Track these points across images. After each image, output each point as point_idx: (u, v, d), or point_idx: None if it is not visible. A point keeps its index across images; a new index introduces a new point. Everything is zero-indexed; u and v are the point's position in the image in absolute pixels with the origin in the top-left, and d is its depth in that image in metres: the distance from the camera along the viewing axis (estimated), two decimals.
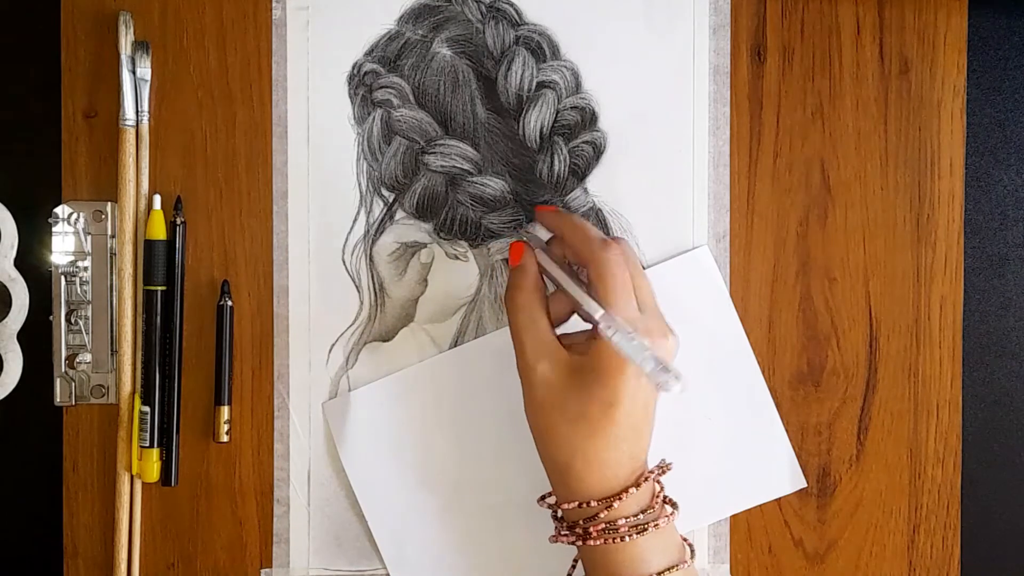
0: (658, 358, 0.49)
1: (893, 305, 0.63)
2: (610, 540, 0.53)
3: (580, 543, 0.54)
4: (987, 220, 0.64)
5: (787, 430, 0.62)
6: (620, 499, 0.53)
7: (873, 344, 0.63)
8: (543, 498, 0.57)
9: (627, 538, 0.53)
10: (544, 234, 0.59)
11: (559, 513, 0.56)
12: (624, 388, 0.52)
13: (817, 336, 0.63)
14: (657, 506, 0.54)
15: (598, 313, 0.52)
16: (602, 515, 0.53)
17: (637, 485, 0.53)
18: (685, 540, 0.56)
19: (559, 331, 0.56)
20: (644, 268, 0.61)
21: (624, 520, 0.53)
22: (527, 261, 0.56)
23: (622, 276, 0.53)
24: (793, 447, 0.62)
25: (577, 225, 0.56)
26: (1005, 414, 0.64)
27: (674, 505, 0.55)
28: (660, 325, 0.54)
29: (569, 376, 0.53)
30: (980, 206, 0.64)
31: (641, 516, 0.53)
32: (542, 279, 0.56)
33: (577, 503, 0.54)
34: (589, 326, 0.55)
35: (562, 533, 0.55)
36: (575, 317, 0.56)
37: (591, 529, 0.53)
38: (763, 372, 0.62)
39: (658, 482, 0.55)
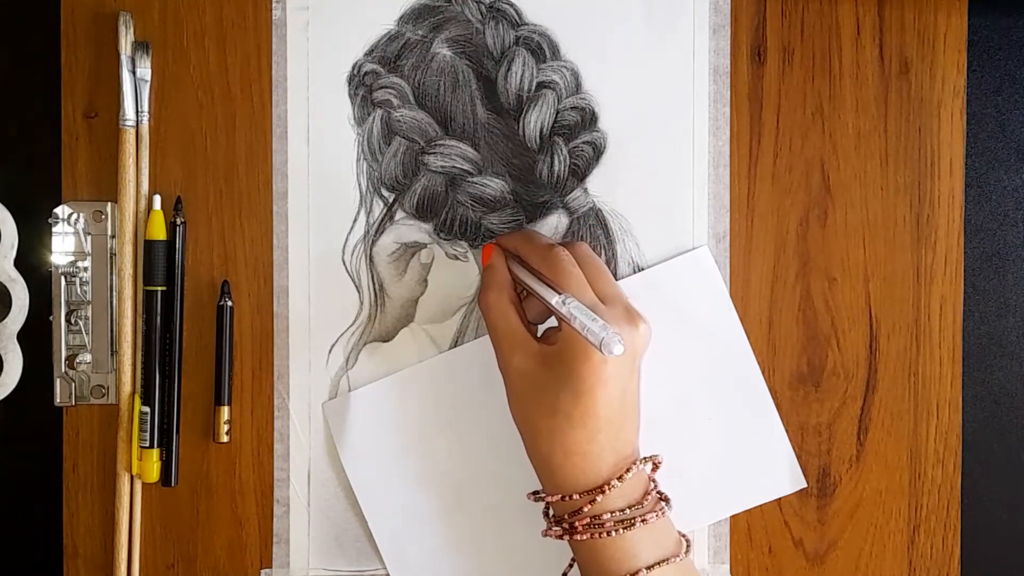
0: (604, 323, 0.50)
1: (893, 305, 0.63)
2: (596, 534, 0.53)
3: (567, 537, 0.54)
4: (987, 220, 0.64)
5: (787, 430, 0.62)
6: (603, 492, 0.53)
7: (873, 344, 0.63)
8: (534, 493, 0.57)
9: (613, 533, 0.53)
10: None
11: (548, 508, 0.56)
12: (591, 374, 0.52)
13: (817, 336, 0.63)
14: (648, 501, 0.54)
15: (553, 298, 0.53)
16: (586, 509, 0.53)
17: (620, 478, 0.53)
18: (683, 536, 0.55)
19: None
20: (642, 269, 0.62)
21: (609, 515, 0.53)
22: (496, 261, 0.58)
23: (569, 269, 0.54)
24: (793, 447, 0.62)
25: (526, 234, 0.59)
26: (1005, 414, 0.64)
27: (667, 500, 0.55)
28: (627, 314, 0.54)
29: (542, 366, 0.54)
30: (980, 206, 0.64)
31: (628, 511, 0.53)
32: (513, 279, 0.58)
33: (561, 496, 0.54)
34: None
35: (552, 528, 0.55)
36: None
37: (576, 523, 0.53)
38: (763, 372, 0.62)
39: (653, 479, 0.55)
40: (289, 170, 0.61)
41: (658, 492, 0.55)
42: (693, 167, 0.62)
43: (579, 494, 0.53)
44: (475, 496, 0.62)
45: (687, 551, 0.55)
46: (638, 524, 0.53)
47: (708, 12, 0.62)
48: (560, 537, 0.55)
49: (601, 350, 0.49)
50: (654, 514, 0.54)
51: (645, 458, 0.56)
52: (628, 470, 0.54)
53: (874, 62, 0.62)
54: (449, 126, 0.61)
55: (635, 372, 0.55)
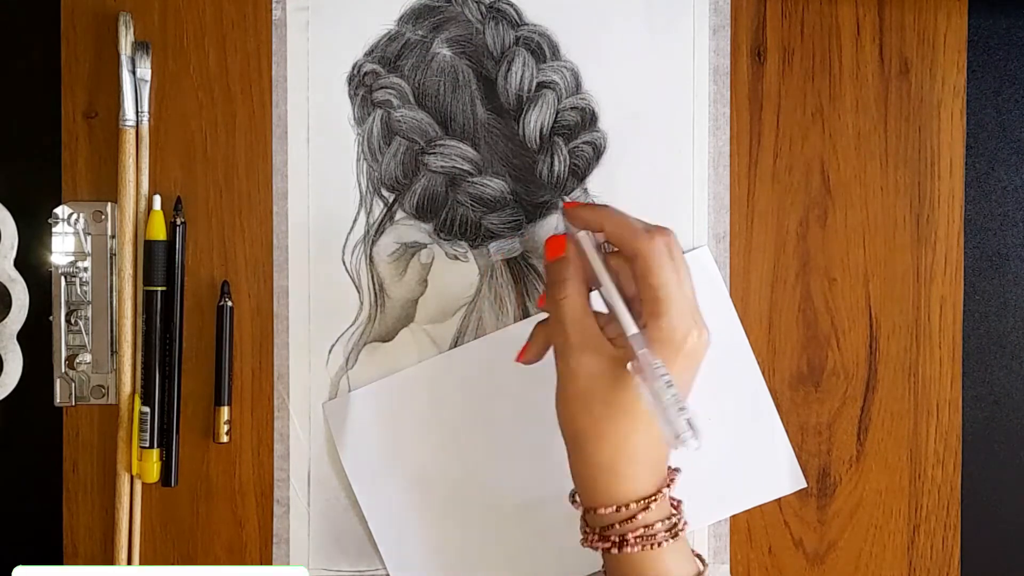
0: (685, 406, 0.47)
1: (893, 305, 0.63)
2: (647, 546, 0.50)
3: (616, 551, 0.51)
4: (987, 220, 0.64)
5: (787, 430, 0.62)
6: (655, 500, 0.51)
7: (873, 344, 0.63)
8: (574, 499, 0.54)
9: (664, 543, 0.50)
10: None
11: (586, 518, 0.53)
12: (677, 374, 0.50)
13: (817, 336, 0.63)
14: (677, 509, 0.53)
15: (630, 332, 0.50)
16: (639, 518, 0.51)
17: (668, 486, 0.52)
18: (696, 553, 0.54)
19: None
20: None
21: (660, 523, 0.51)
22: (572, 255, 0.53)
23: (667, 275, 0.51)
24: (793, 447, 0.62)
25: (617, 218, 0.53)
26: (1005, 414, 0.64)
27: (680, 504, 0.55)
28: (695, 317, 0.51)
29: (615, 370, 0.51)
30: (980, 206, 0.64)
31: (669, 520, 0.51)
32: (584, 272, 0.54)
33: (615, 507, 0.51)
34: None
35: (595, 541, 0.52)
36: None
37: (629, 535, 0.51)
38: (763, 372, 0.62)
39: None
40: (289, 170, 0.61)
41: (672, 499, 0.54)
42: (693, 167, 0.62)
43: (635, 502, 0.51)
44: (475, 496, 0.62)
45: (705, 566, 0.53)
46: (680, 533, 0.51)
47: (708, 12, 0.62)
48: (608, 551, 0.51)
49: (672, 443, 0.47)
50: (684, 522, 0.52)
51: (674, 468, 0.54)
52: (672, 478, 0.52)
53: (874, 62, 0.62)
54: (449, 126, 0.61)
55: (695, 377, 0.53)
